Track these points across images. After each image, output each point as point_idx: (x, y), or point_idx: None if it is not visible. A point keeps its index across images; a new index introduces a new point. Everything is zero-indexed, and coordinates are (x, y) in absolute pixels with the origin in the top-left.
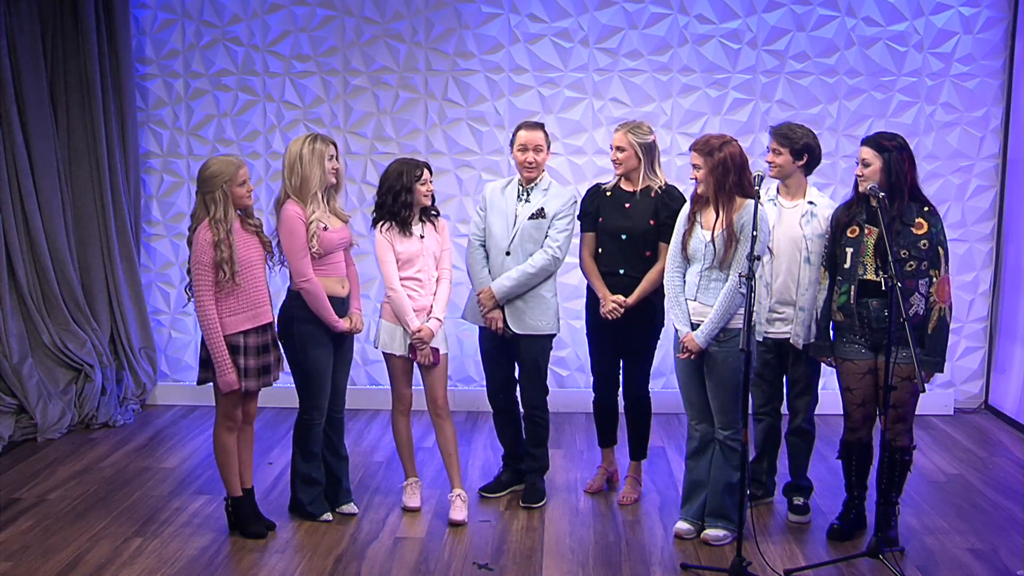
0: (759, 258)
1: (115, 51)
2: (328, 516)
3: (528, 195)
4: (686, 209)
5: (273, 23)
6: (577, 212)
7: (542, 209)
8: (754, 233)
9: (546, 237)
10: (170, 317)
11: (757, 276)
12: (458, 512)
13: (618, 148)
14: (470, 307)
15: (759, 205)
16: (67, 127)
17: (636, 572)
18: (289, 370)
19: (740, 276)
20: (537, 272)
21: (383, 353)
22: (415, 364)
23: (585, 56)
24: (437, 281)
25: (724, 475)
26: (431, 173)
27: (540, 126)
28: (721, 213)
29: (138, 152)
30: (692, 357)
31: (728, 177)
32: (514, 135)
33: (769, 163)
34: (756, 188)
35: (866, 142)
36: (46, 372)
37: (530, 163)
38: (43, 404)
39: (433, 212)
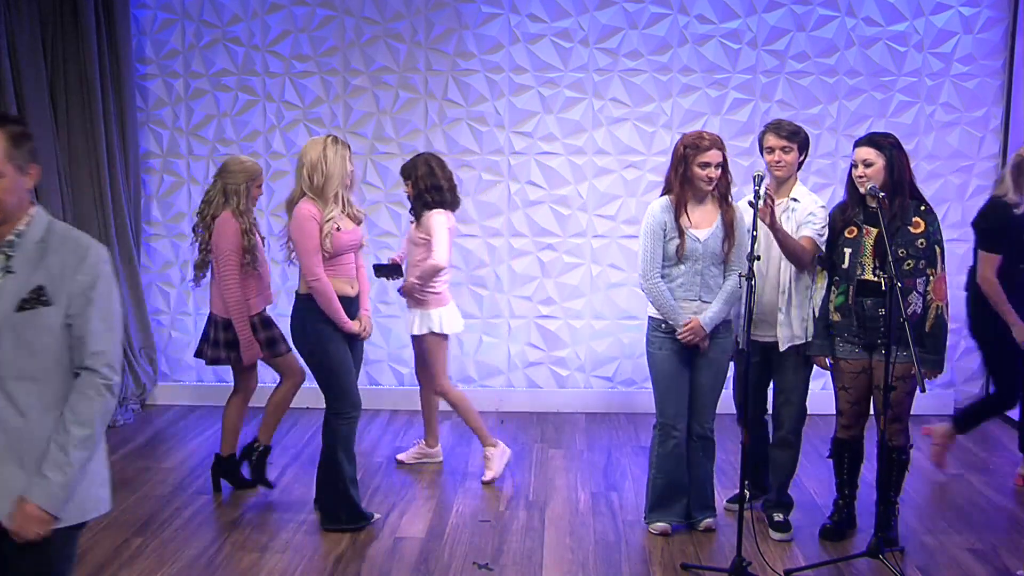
0: (758, 258)
1: (115, 51)
2: (377, 515)
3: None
4: (665, 221)
5: (273, 23)
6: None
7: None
8: (753, 233)
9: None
10: (170, 317)
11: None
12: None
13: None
14: None
15: (757, 204)
16: (67, 127)
17: (636, 572)
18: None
19: (740, 276)
20: None
21: (442, 335)
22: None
23: (585, 56)
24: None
25: (707, 467)
26: None
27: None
28: (719, 210)
29: (138, 152)
30: (698, 341)
31: (726, 175)
32: None
33: (777, 163)
34: (756, 188)
35: (863, 143)
36: None
37: None
38: None
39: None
